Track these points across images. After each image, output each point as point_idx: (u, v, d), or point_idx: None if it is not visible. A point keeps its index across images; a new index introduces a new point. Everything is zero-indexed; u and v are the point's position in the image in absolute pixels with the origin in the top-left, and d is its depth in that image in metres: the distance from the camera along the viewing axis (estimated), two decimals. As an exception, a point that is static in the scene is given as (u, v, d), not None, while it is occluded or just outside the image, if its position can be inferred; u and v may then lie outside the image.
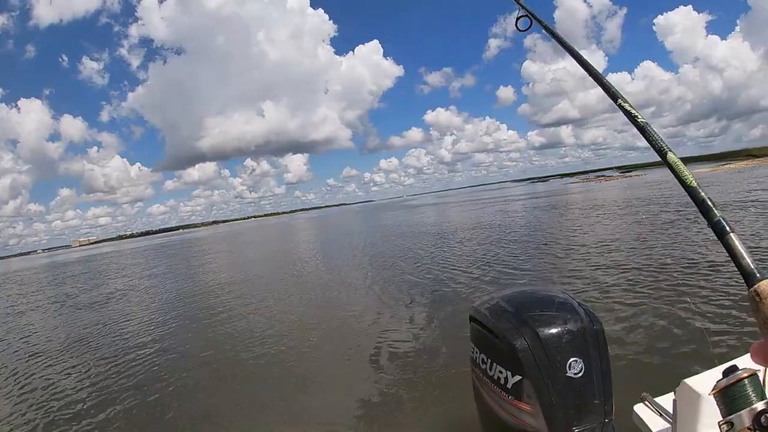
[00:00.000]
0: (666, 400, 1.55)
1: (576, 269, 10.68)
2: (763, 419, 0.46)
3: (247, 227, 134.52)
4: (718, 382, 0.52)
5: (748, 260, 0.49)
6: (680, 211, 19.03)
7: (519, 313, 1.55)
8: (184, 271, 25.54)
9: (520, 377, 1.46)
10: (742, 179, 37.29)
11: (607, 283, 8.97)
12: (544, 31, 1.01)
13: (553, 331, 1.45)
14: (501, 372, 1.52)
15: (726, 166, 74.11)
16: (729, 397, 0.51)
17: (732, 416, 0.49)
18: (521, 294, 1.73)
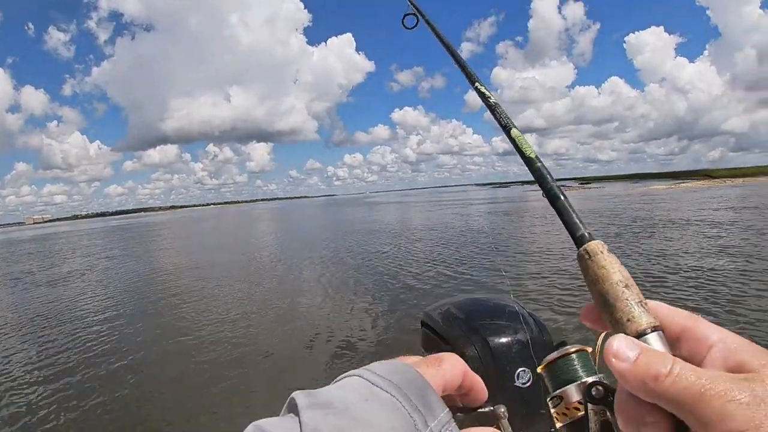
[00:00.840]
0: None
1: (521, 275, 10.98)
2: (594, 391, 0.47)
3: (206, 215, 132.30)
4: (546, 357, 0.52)
5: (578, 223, 0.50)
6: (628, 225, 19.86)
7: (470, 320, 1.55)
8: (140, 258, 24.94)
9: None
10: (694, 198, 39.03)
11: (552, 293, 9.26)
12: (428, 29, 1.02)
13: (503, 340, 1.46)
14: (449, 379, 1.53)
15: (683, 184, 77.18)
16: (557, 371, 0.51)
17: (560, 390, 0.50)
18: (473, 301, 1.74)
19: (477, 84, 0.74)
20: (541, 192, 0.57)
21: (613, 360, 0.40)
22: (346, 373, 0.47)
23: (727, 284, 9.27)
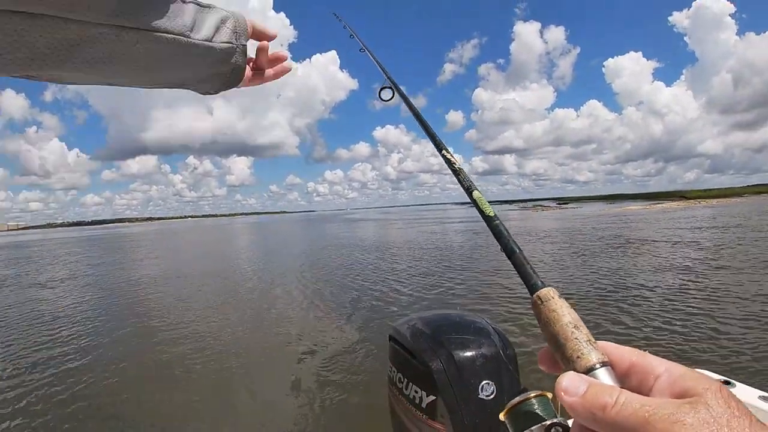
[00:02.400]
0: None
1: (495, 294, 11.06)
2: (553, 430, 0.50)
3: (184, 227, 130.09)
4: (507, 403, 0.55)
5: (531, 272, 0.54)
6: (609, 243, 20.20)
7: (436, 335, 1.59)
8: (115, 268, 24.42)
9: (435, 397, 1.50)
10: (668, 219, 39.88)
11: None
12: (402, 102, 1.11)
13: (468, 354, 1.50)
14: (416, 391, 1.56)
15: (658, 205, 78.58)
16: (518, 415, 0.54)
17: None
18: (441, 317, 1.78)
19: (444, 152, 0.81)
20: (499, 247, 0.62)
21: (563, 395, 0.43)
22: None
23: (684, 300, 9.60)
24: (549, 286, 0.53)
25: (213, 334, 9.16)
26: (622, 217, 45.97)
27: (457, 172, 0.76)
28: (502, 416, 0.56)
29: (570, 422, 0.48)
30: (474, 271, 15.55)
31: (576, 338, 0.47)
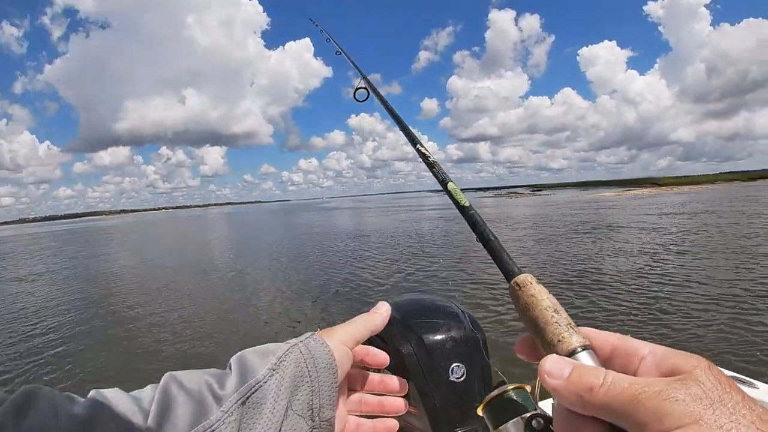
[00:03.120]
0: None
1: (467, 280, 11.21)
2: (534, 423, 0.50)
3: (158, 219, 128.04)
4: (486, 396, 0.54)
5: (508, 260, 0.55)
6: (579, 228, 20.56)
7: (406, 319, 1.60)
8: (90, 262, 23.97)
9: (406, 381, 1.52)
10: (639, 205, 40.82)
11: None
12: (377, 100, 1.12)
13: (438, 337, 1.51)
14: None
15: (630, 192, 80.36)
16: (496, 408, 0.54)
17: (500, 427, 0.52)
18: (411, 302, 1.78)
19: (419, 146, 0.83)
20: (475, 237, 0.62)
21: (547, 378, 0.42)
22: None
23: (647, 285, 10.00)
24: (525, 273, 0.53)
25: (185, 321, 9.31)
26: (594, 204, 46.88)
27: (431, 165, 0.77)
28: (479, 410, 0.55)
29: (550, 413, 0.47)
30: (446, 257, 15.77)
31: (556, 322, 0.47)
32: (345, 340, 0.68)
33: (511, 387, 0.54)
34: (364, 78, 1.26)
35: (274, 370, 0.59)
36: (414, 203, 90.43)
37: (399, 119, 0.97)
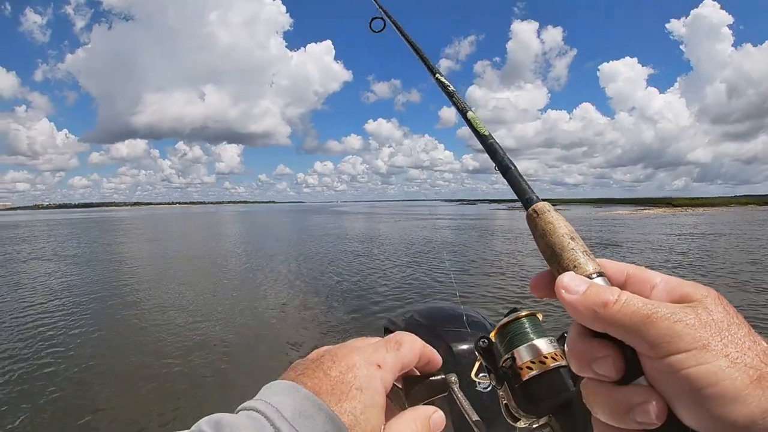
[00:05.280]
0: None
1: (486, 286, 11.15)
2: (545, 344, 0.53)
3: (172, 214, 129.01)
4: (498, 322, 0.56)
5: (526, 187, 0.56)
6: (592, 245, 20.40)
7: (433, 327, 1.60)
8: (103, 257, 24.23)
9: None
10: (651, 224, 40.38)
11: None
12: (397, 33, 1.07)
13: (466, 347, 1.51)
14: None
15: (644, 211, 79.53)
16: (509, 333, 0.55)
17: (513, 351, 0.54)
18: (435, 310, 1.78)
19: (437, 75, 0.81)
20: (494, 165, 0.63)
21: (564, 292, 0.43)
22: (250, 405, 0.45)
23: None
24: (543, 201, 0.54)
25: (207, 319, 9.22)
26: (608, 221, 46.40)
27: (451, 95, 0.77)
28: (492, 335, 0.57)
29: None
30: (463, 267, 15.69)
31: (573, 248, 0.48)
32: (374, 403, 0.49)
33: (523, 313, 0.56)
34: (380, 6, 1.21)
35: None
36: (429, 212, 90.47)
37: (417, 48, 0.95)
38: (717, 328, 0.37)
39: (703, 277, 12.89)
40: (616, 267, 0.47)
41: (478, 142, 0.68)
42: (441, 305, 1.86)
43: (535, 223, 0.52)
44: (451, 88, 0.78)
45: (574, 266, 0.47)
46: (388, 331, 1.82)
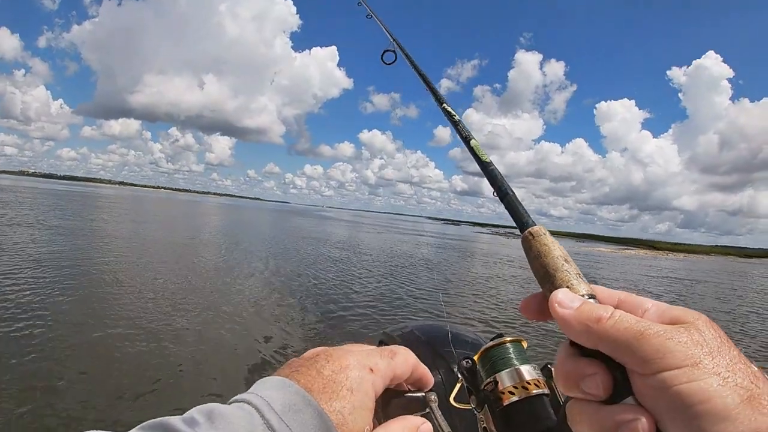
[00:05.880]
0: None
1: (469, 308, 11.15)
2: (526, 372, 0.54)
3: (157, 197, 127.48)
4: (483, 346, 0.58)
5: (523, 212, 0.58)
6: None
7: (434, 346, 1.55)
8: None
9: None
10: (632, 264, 41.04)
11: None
12: (409, 65, 1.10)
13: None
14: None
15: (626, 251, 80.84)
16: (493, 357, 0.56)
17: (495, 375, 0.55)
18: (435, 328, 1.73)
19: (444, 104, 0.85)
20: (493, 191, 0.66)
21: (557, 307, 0.44)
22: (242, 397, 0.46)
23: None
24: (539, 225, 0.56)
25: (185, 319, 8.96)
26: (591, 256, 46.99)
27: (455, 123, 0.80)
28: (476, 358, 0.58)
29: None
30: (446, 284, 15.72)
31: (566, 270, 0.49)
32: (363, 403, 0.50)
33: (509, 339, 0.57)
34: (394, 40, 1.25)
35: None
36: (413, 227, 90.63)
37: (426, 80, 0.99)
38: (708, 348, 0.38)
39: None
40: (607, 293, 0.48)
41: (472, 165, 0.73)
42: (439, 323, 1.82)
43: (530, 244, 0.53)
44: (457, 117, 0.81)
45: (567, 287, 0.47)
46: (383, 344, 1.78)
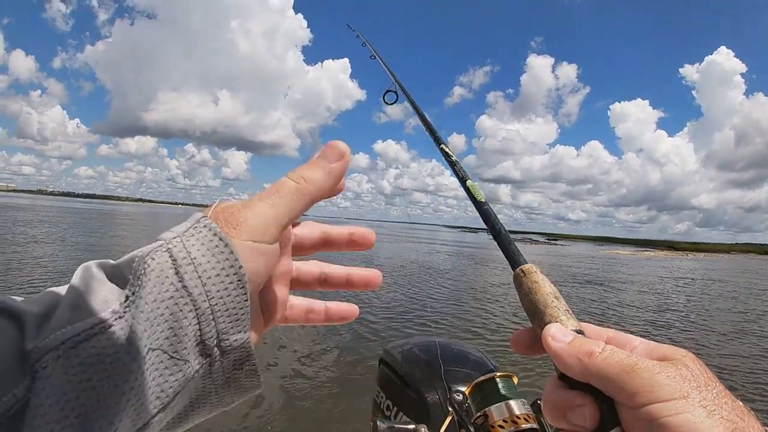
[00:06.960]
0: None
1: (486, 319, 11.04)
2: (516, 407, 0.57)
3: (175, 213, 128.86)
4: (474, 381, 0.60)
5: (515, 250, 0.58)
6: (591, 281, 20.30)
7: (434, 365, 1.51)
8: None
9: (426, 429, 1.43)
10: (651, 266, 40.40)
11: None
12: (410, 106, 1.12)
13: (459, 398, 1.42)
14: (407, 422, 1.48)
15: (645, 252, 79.89)
16: (484, 391, 0.59)
17: (486, 409, 0.57)
18: (435, 345, 1.69)
19: (442, 145, 0.87)
20: (487, 229, 0.66)
21: (550, 340, 0.45)
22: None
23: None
24: (530, 263, 0.56)
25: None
26: (609, 260, 46.43)
27: (453, 163, 0.81)
28: (467, 391, 0.62)
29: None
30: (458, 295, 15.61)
31: (556, 306, 0.50)
32: (265, 224, 0.44)
33: (500, 374, 0.60)
34: (396, 81, 1.27)
35: (126, 306, 0.37)
36: (430, 236, 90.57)
37: (425, 120, 1.00)
38: (696, 383, 0.39)
39: (705, 321, 12.93)
40: (596, 330, 0.49)
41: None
42: (441, 341, 1.77)
43: (521, 281, 0.54)
44: (454, 158, 0.83)
45: (558, 322, 0.48)
46: (383, 362, 1.74)
